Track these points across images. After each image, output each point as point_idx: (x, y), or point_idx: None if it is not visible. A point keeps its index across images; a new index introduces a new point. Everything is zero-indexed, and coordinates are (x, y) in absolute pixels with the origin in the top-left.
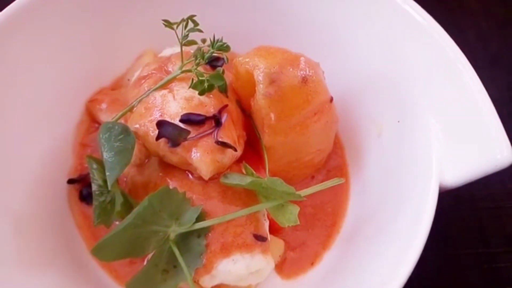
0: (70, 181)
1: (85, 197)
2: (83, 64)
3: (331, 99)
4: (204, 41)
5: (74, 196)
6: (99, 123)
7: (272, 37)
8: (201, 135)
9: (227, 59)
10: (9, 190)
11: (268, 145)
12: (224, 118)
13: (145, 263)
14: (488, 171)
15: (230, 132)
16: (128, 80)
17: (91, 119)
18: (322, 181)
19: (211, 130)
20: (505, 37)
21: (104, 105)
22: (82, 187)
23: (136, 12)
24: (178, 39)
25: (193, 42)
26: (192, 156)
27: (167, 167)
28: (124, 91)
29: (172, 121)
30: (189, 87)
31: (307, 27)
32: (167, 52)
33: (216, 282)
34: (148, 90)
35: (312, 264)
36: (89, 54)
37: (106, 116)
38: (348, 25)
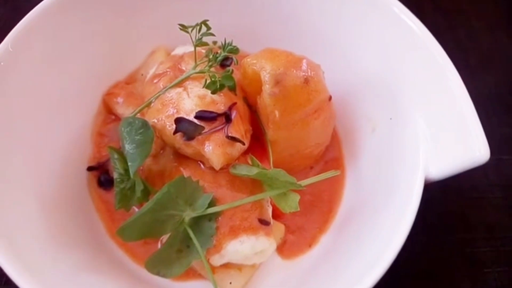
0: (90, 168)
1: (103, 183)
2: (101, 60)
3: (330, 98)
4: (215, 42)
5: (93, 182)
6: (115, 115)
7: (278, 40)
8: (213, 130)
9: (237, 60)
10: (38, 175)
11: (272, 139)
12: (233, 115)
13: (158, 244)
14: (467, 167)
15: (239, 127)
16: (142, 75)
17: (107, 111)
18: (320, 171)
19: (222, 126)
20: (496, 37)
21: (120, 99)
22: (100, 174)
23: (149, 12)
24: (192, 41)
25: (205, 44)
26: (205, 149)
27: (180, 157)
28: (138, 85)
29: (187, 117)
30: (203, 87)
31: (310, 31)
32: (179, 50)
33: (224, 260)
34: (164, 87)
35: (310, 246)
36: (106, 51)
37: (122, 109)
38: (348, 31)
